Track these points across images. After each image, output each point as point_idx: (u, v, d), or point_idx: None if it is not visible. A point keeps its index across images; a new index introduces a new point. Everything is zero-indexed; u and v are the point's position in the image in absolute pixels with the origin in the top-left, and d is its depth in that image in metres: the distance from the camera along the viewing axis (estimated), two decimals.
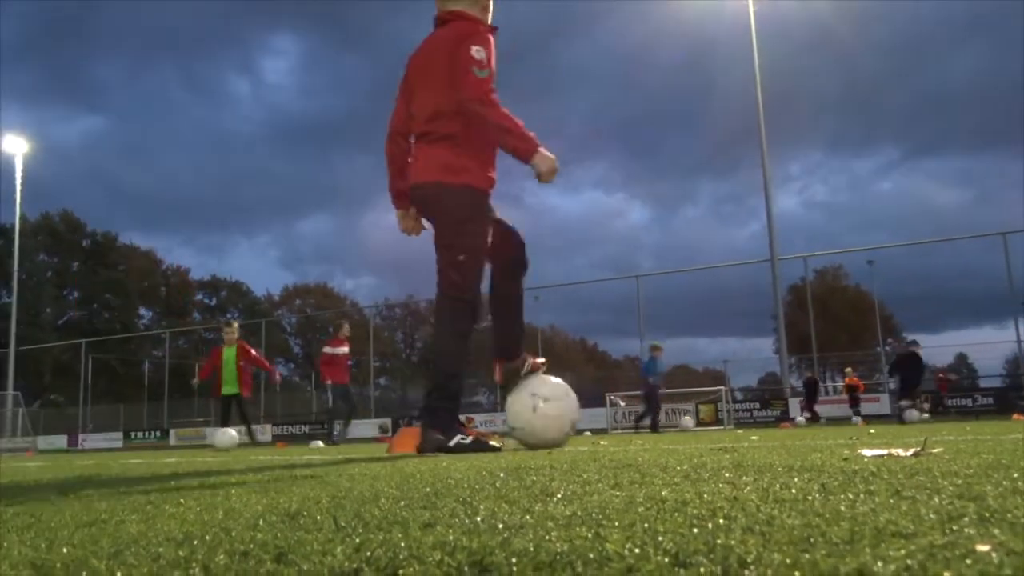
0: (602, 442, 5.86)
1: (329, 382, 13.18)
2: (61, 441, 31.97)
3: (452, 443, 3.82)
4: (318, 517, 1.24)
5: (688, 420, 20.87)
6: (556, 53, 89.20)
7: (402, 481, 1.94)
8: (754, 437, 6.08)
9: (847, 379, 21.64)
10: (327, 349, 13.38)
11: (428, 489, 1.66)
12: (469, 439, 3.88)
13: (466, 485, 1.72)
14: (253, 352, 12.50)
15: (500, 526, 1.03)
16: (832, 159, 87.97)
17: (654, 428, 17.16)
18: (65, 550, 1.01)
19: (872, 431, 7.04)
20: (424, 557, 0.83)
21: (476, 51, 3.83)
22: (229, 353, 12.24)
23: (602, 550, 0.81)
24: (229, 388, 12.19)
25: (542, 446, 4.12)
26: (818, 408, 20.64)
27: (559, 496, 1.40)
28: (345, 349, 13.29)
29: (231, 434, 11.12)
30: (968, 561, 0.69)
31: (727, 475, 1.72)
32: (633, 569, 0.74)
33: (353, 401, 13.76)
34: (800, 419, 19.74)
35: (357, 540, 0.96)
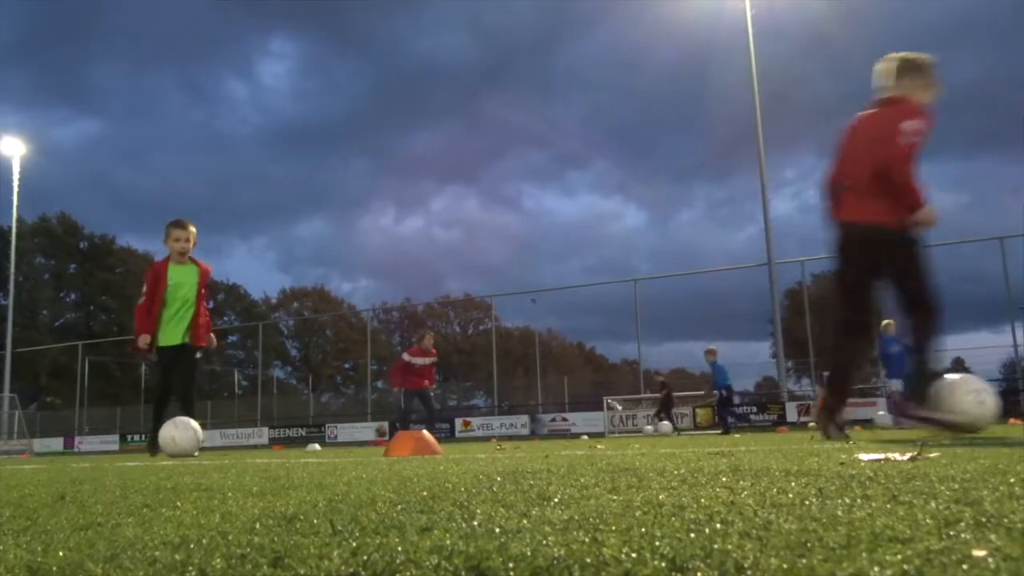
0: (599, 446, 5.85)
1: (402, 388, 12.60)
2: (57, 444, 31.90)
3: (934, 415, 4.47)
4: (315, 521, 1.24)
5: (665, 425, 19.77)
6: (554, 56, 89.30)
7: (399, 485, 1.94)
8: (749, 447, 6.08)
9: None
10: (406, 357, 12.75)
11: (425, 493, 1.66)
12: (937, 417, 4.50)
13: (463, 489, 1.72)
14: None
15: (497, 530, 1.03)
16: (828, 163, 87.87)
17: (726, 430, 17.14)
18: (61, 553, 1.00)
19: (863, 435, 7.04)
20: (421, 561, 0.83)
21: (907, 124, 4.48)
22: (183, 275, 7.02)
23: (599, 554, 0.81)
24: (177, 334, 6.94)
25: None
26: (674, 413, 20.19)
27: (556, 500, 1.40)
28: (422, 360, 12.72)
29: (193, 428, 6.52)
30: (964, 566, 0.70)
31: (724, 479, 1.72)
32: (630, 574, 0.74)
33: (430, 403, 13.07)
34: (650, 428, 19.16)
35: (354, 544, 0.96)
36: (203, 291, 7.17)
